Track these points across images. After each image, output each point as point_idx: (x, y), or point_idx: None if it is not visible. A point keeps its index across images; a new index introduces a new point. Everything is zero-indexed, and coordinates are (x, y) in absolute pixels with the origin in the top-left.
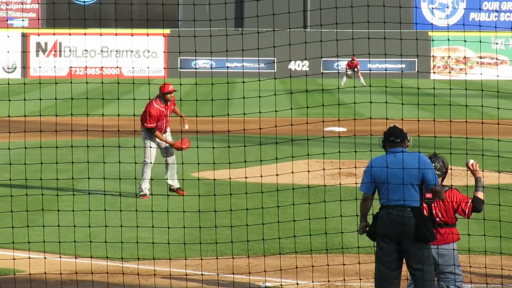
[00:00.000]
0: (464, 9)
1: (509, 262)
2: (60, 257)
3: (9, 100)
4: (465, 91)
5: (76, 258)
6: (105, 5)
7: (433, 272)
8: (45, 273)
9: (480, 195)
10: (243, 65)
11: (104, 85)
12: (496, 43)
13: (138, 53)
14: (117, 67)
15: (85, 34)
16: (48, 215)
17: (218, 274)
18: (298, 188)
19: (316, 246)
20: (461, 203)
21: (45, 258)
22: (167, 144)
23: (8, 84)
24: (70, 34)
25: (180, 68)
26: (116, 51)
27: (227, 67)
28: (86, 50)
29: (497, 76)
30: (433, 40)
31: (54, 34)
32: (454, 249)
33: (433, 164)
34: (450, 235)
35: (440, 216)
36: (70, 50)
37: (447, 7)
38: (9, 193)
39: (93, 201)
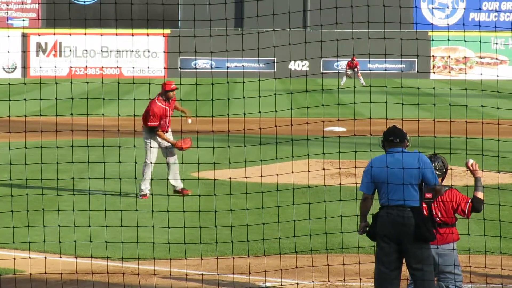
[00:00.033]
0: (464, 9)
1: (509, 262)
2: (61, 257)
3: (10, 100)
4: (465, 91)
5: (76, 258)
6: (105, 5)
7: (433, 272)
8: (45, 273)
9: (480, 195)
10: (243, 65)
11: (104, 85)
12: (496, 43)
13: (138, 53)
14: (117, 67)
15: (85, 34)
16: (48, 215)
17: (218, 274)
18: (298, 188)
19: (316, 246)
20: (461, 203)
21: (45, 258)
22: (169, 144)
23: (9, 84)
24: (70, 34)
25: (180, 68)
26: (116, 51)
27: (227, 67)
28: (86, 50)
29: (497, 76)
30: (433, 40)
31: (54, 34)
32: (454, 249)
33: (433, 164)
34: (450, 235)
35: (439, 216)
36: (70, 50)
37: (447, 7)
38: (9, 193)
39: (93, 201)
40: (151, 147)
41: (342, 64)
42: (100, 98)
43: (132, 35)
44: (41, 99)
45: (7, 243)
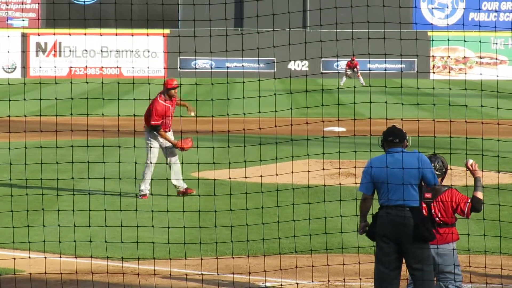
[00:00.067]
0: (464, 9)
1: (508, 262)
2: (60, 257)
3: (9, 100)
4: (464, 91)
5: (76, 258)
6: (105, 5)
7: (433, 272)
8: (45, 272)
9: (479, 195)
10: (243, 65)
11: (104, 85)
12: (496, 43)
13: (138, 53)
14: (117, 67)
15: (85, 34)
16: (48, 215)
17: (218, 274)
18: (298, 188)
19: (316, 246)
20: (460, 203)
21: (45, 258)
22: (170, 144)
23: (8, 84)
24: (70, 34)
25: (180, 68)
26: (116, 51)
27: (227, 67)
28: (86, 50)
29: (497, 76)
30: (432, 40)
31: (54, 34)
32: (453, 249)
33: (433, 164)
34: (450, 235)
35: (439, 216)
36: (70, 50)
37: (447, 7)
38: (9, 193)
39: (93, 201)
40: (150, 147)
41: (342, 64)
42: (100, 98)
43: (132, 35)
44: (40, 99)
45: (7, 243)
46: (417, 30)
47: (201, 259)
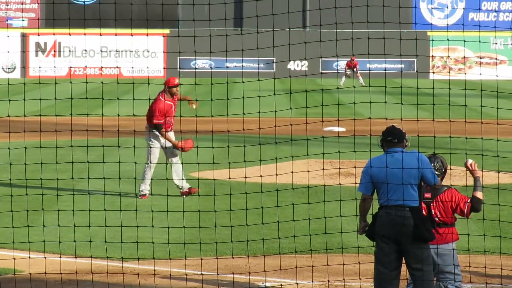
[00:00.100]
0: (463, 9)
1: (508, 262)
2: (60, 257)
3: (9, 100)
4: (464, 91)
5: (76, 258)
6: (105, 5)
7: (432, 272)
8: (45, 272)
9: (479, 194)
10: (242, 65)
11: (104, 85)
12: (495, 43)
13: (137, 53)
14: (117, 67)
15: (84, 34)
16: (48, 215)
17: (218, 274)
18: (298, 188)
19: (316, 246)
20: (460, 203)
21: (45, 258)
22: (170, 144)
23: (8, 84)
24: (69, 34)
25: (179, 68)
26: (116, 51)
27: (227, 67)
28: (85, 50)
29: (496, 76)
30: (432, 40)
31: (53, 34)
32: (453, 249)
33: (432, 164)
34: (449, 235)
35: (439, 216)
36: (69, 50)
37: (446, 7)
38: (9, 193)
39: (93, 201)
40: (150, 146)
41: (342, 64)
42: (100, 98)
43: (132, 35)
44: (40, 99)
45: (7, 243)
46: (416, 30)
47: (201, 259)
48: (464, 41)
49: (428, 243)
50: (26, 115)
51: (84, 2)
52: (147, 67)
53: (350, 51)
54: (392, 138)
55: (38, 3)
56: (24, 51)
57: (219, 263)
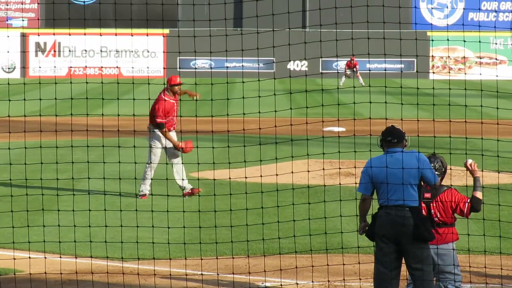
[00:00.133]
0: (463, 9)
1: (508, 262)
2: (60, 257)
3: (9, 100)
4: (464, 91)
5: (76, 258)
6: (105, 5)
7: (432, 272)
8: (45, 273)
9: (479, 194)
10: (242, 65)
11: (104, 85)
12: (495, 43)
13: (137, 53)
14: (117, 67)
15: (84, 34)
16: (48, 215)
17: (218, 274)
18: (298, 188)
19: (316, 246)
20: (460, 203)
21: (45, 258)
22: (171, 145)
23: (8, 84)
24: (69, 34)
25: (179, 68)
26: (116, 51)
27: (227, 67)
28: (85, 50)
29: (496, 76)
30: (432, 40)
31: (53, 34)
32: (453, 249)
33: (432, 164)
34: (449, 235)
35: (438, 216)
36: (69, 50)
37: (446, 7)
38: (9, 193)
39: (93, 201)
40: (151, 146)
41: (341, 64)
42: (100, 98)
43: (132, 35)
44: (40, 99)
45: (7, 243)
46: (416, 30)
47: (201, 259)
48: (464, 41)
49: (428, 243)
50: (26, 115)
51: (84, 2)
52: (147, 67)
53: (350, 51)
54: (392, 138)
55: (38, 3)
56: (24, 51)
57: (219, 263)
